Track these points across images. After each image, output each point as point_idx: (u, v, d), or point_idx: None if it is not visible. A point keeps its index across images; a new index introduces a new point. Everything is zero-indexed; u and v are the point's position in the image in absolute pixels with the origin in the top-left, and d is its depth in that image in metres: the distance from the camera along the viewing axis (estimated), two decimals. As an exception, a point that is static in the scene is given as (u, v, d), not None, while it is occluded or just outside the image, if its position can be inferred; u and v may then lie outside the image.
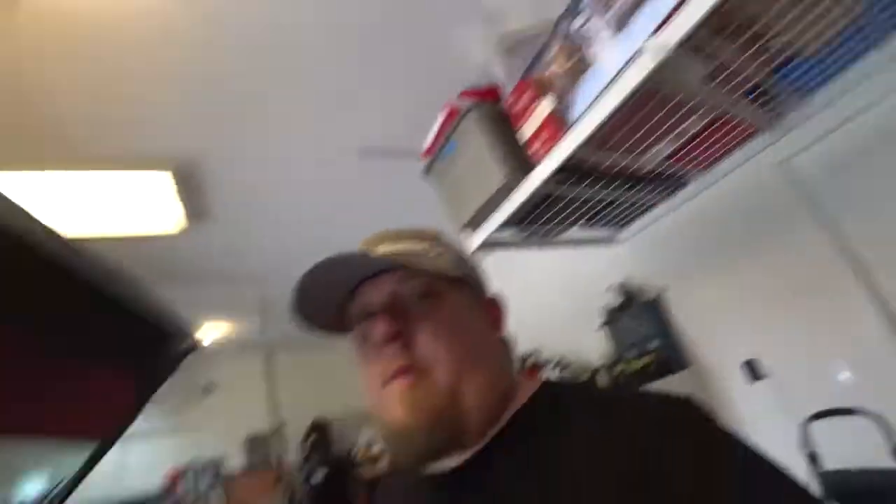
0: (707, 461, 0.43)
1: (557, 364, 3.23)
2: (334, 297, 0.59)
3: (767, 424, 2.19)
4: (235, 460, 6.19)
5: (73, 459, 1.08)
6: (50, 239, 0.53)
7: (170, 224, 2.68)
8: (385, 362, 0.53)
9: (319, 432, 6.28)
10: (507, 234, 2.25)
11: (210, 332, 5.03)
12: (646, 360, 2.41)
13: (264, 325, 5.11)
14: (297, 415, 6.57)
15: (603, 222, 2.38)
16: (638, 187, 1.99)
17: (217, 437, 6.18)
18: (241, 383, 6.26)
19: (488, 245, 2.21)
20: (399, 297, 0.56)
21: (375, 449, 6.09)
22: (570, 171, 1.69)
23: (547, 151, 1.59)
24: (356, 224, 3.24)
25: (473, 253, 2.22)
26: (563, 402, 0.54)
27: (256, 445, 6.31)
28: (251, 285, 3.93)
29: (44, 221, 0.52)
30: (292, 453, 6.45)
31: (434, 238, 0.63)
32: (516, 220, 2.04)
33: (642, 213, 2.37)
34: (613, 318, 2.70)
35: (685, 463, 0.43)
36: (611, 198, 2.01)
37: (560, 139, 1.53)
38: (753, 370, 2.19)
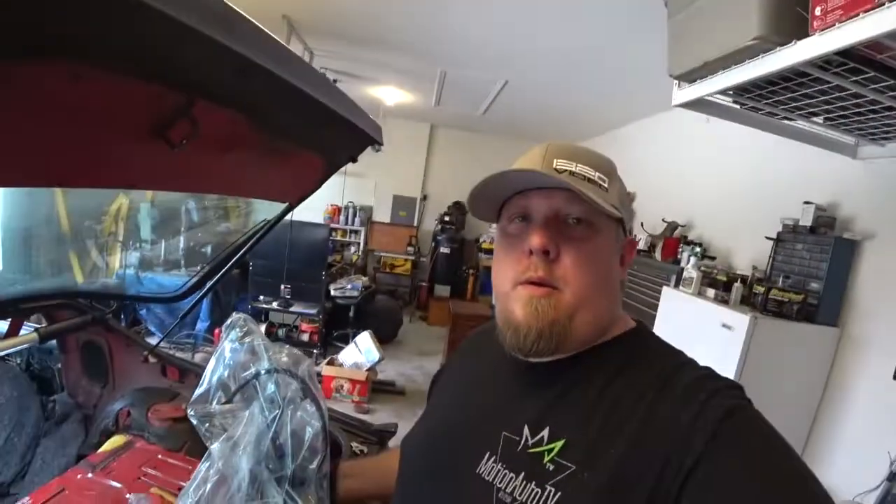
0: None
1: (700, 251, 3.02)
2: (507, 192, 0.63)
3: (875, 425, 1.99)
4: (382, 211, 7.19)
5: (267, 214, 1.50)
6: (279, 59, 0.67)
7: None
8: (525, 266, 0.59)
9: (458, 212, 6.87)
10: (724, 100, 1.91)
11: (390, 94, 5.31)
12: (794, 296, 2.14)
13: (438, 101, 5.26)
14: (441, 190, 7.19)
15: (851, 127, 1.90)
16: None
17: (373, 188, 7.12)
18: (404, 148, 6.84)
19: (696, 105, 1.92)
20: (561, 215, 0.59)
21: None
22: (854, 57, 1.30)
23: (838, 21, 1.21)
24: (553, 34, 2.94)
25: (677, 106, 1.95)
26: (631, 355, 0.60)
27: (401, 205, 7.18)
28: (436, 61, 3.94)
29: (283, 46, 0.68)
30: (428, 222, 7.29)
31: (609, 170, 0.63)
32: (744, 89, 1.70)
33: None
34: (789, 238, 2.35)
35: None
36: (885, 104, 1.55)
37: (867, 11, 1.14)
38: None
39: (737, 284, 2.40)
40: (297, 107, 0.88)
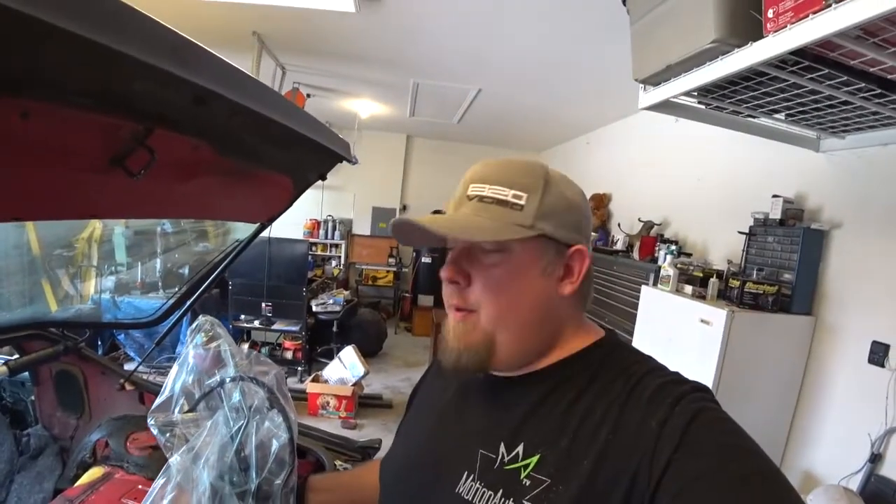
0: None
1: (676, 248, 3.08)
2: (424, 242, 0.67)
3: (854, 409, 2.04)
4: (362, 224, 7.17)
5: (244, 233, 1.51)
6: (236, 85, 0.69)
7: (344, 3, 2.67)
8: (448, 294, 0.64)
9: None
10: (689, 101, 1.96)
11: (365, 107, 5.32)
12: (769, 288, 2.19)
13: (412, 110, 5.28)
14: (420, 199, 7.19)
15: (812, 122, 1.96)
16: (890, 97, 1.55)
17: (352, 200, 7.09)
18: (381, 160, 6.84)
19: (662, 107, 1.96)
20: (473, 246, 0.62)
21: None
22: (807, 55, 1.35)
23: (790, 23, 1.26)
24: (524, 41, 2.99)
25: (643, 109, 1.99)
26: (599, 366, 0.61)
27: (381, 216, 7.16)
28: (408, 72, 3.96)
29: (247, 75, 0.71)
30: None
31: (532, 183, 0.61)
32: (707, 90, 1.75)
33: (874, 127, 1.90)
34: (760, 231, 2.41)
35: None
36: (841, 98, 1.61)
37: (817, 12, 1.18)
38: (880, 354, 1.94)
39: (713, 280, 2.44)
40: (260, 130, 0.88)
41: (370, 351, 4.92)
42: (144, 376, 1.71)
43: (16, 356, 1.52)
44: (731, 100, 1.84)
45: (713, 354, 2.12)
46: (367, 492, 0.81)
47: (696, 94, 1.82)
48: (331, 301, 4.69)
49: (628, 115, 4.29)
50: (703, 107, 1.99)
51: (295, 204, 1.50)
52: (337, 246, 6.92)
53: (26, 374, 1.64)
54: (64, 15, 0.40)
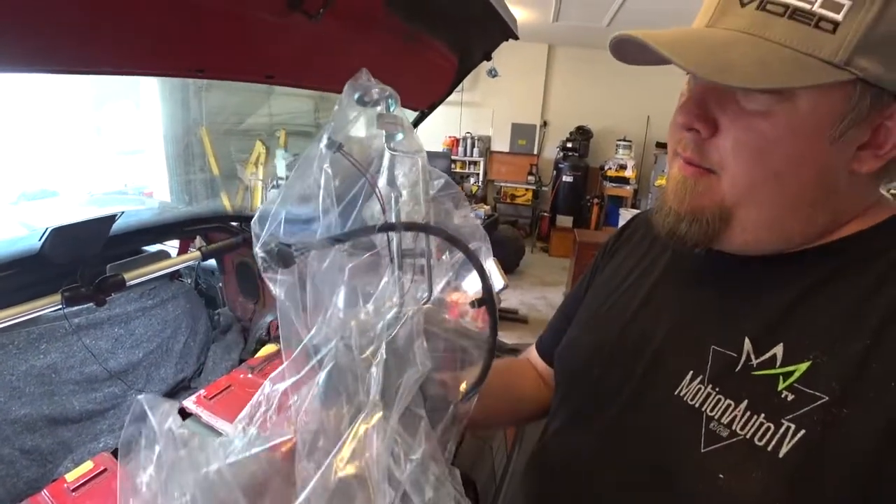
0: None
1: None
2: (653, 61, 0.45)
3: None
4: (500, 141, 6.96)
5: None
6: None
7: None
8: (678, 138, 0.47)
9: (581, 138, 6.41)
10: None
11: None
12: None
13: (556, 13, 4.77)
14: (562, 116, 6.74)
15: None
16: None
17: (490, 117, 6.89)
18: (521, 73, 6.42)
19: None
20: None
21: (628, 172, 6.09)
22: None
23: None
24: None
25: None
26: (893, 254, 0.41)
27: (520, 133, 6.87)
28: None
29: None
30: (549, 149, 6.92)
31: None
32: None
33: None
34: None
35: None
36: None
37: None
38: None
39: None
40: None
41: (507, 267, 4.92)
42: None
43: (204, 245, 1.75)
44: None
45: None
46: (526, 393, 0.72)
47: None
48: (472, 215, 4.71)
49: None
50: None
51: (432, 117, 1.44)
52: (475, 163, 6.86)
53: (215, 263, 1.88)
54: None
